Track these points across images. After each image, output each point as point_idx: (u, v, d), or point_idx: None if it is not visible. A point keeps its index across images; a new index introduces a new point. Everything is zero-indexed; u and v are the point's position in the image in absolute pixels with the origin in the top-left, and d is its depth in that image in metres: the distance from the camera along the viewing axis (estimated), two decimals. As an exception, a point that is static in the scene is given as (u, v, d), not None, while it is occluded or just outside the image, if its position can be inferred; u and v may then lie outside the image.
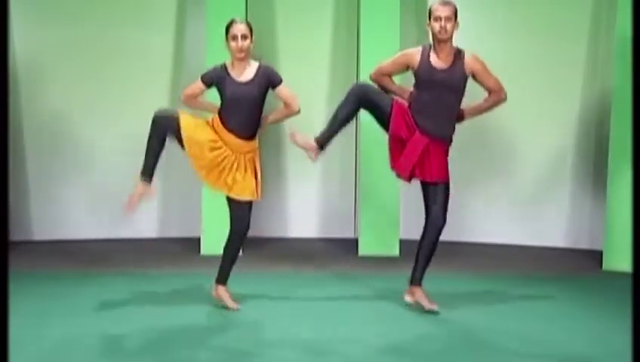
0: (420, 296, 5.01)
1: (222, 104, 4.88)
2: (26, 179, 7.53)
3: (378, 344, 4.37)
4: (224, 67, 4.89)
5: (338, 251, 7.27)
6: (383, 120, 4.91)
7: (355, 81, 7.45)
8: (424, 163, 4.86)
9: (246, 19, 4.91)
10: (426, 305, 4.97)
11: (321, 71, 7.83)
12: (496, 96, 4.99)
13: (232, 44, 4.81)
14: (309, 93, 7.78)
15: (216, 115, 4.89)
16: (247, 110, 4.82)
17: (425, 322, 4.83)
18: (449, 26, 4.83)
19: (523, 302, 5.37)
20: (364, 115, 6.88)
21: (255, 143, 4.94)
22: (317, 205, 7.96)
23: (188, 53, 7.69)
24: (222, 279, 5.09)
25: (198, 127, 4.83)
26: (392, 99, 4.95)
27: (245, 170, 4.88)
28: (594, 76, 7.31)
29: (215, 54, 6.35)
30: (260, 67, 4.90)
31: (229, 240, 5.01)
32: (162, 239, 7.75)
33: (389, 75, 5.08)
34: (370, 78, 5.16)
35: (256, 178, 4.93)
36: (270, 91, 4.98)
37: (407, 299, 5.05)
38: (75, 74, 7.53)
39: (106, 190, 7.64)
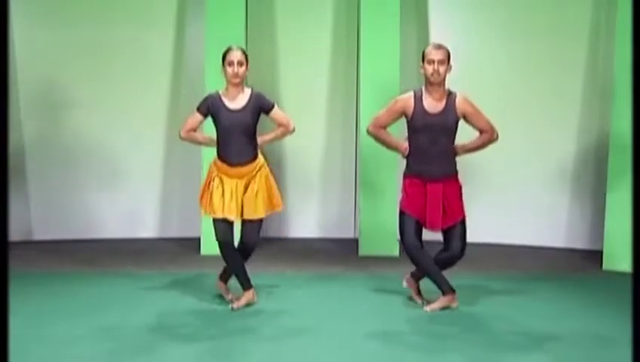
0: (413, 288, 5.30)
1: (218, 133, 5.04)
2: (25, 179, 7.53)
3: (378, 343, 4.37)
4: (218, 95, 5.04)
5: (338, 251, 7.27)
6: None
7: (356, 82, 7.48)
8: (444, 209, 5.02)
9: (242, 48, 5.06)
10: (417, 299, 5.26)
11: (321, 71, 7.82)
12: (488, 135, 5.14)
13: (229, 69, 4.97)
14: (309, 93, 7.80)
15: (216, 157, 5.03)
16: (242, 137, 4.98)
17: (425, 322, 4.83)
18: (442, 69, 4.92)
19: (523, 301, 5.37)
20: (364, 115, 6.90)
21: (259, 160, 5.08)
22: (317, 205, 7.96)
23: (188, 53, 7.69)
24: (225, 278, 5.30)
25: (215, 196, 4.99)
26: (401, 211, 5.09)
27: (261, 189, 5.04)
28: (594, 76, 7.31)
29: (215, 55, 6.32)
30: (252, 94, 5.05)
31: (238, 249, 5.17)
32: (162, 239, 7.75)
33: (386, 127, 5.17)
34: (368, 131, 5.27)
35: (271, 190, 5.11)
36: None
37: (404, 283, 5.33)
38: (75, 74, 7.53)
39: (107, 189, 7.65)
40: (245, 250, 5.16)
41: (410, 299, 5.31)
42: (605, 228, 6.61)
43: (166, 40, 7.68)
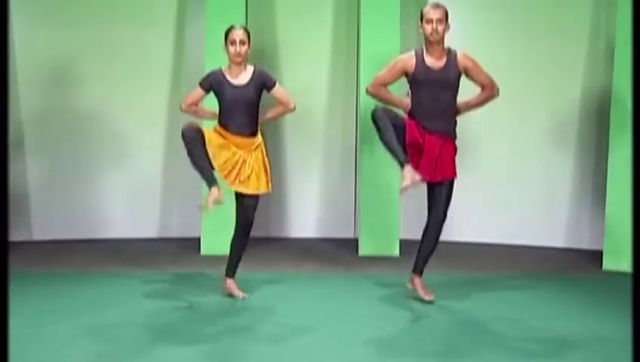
0: (417, 283, 5.26)
1: (220, 108, 5.12)
2: (26, 179, 7.53)
3: (378, 343, 4.37)
4: (221, 71, 5.11)
5: (338, 251, 7.27)
6: (399, 137, 5.01)
7: (356, 82, 7.48)
8: (436, 163, 5.06)
9: (245, 26, 5.07)
10: (423, 294, 5.21)
11: (321, 71, 7.82)
12: (489, 91, 5.23)
13: (231, 48, 5.04)
14: (309, 93, 7.79)
15: (217, 124, 5.11)
16: (245, 112, 5.06)
17: (424, 322, 4.84)
18: (440, 27, 5.02)
19: (523, 301, 5.37)
20: (364, 115, 6.90)
21: (259, 138, 5.16)
22: (317, 205, 7.96)
23: (188, 53, 7.68)
24: (230, 272, 5.33)
25: (212, 136, 5.05)
26: (403, 117, 5.11)
27: (256, 166, 5.11)
28: (594, 76, 7.31)
29: (215, 54, 6.34)
30: (255, 70, 5.13)
31: (236, 234, 5.24)
32: (162, 239, 7.75)
33: (386, 85, 5.24)
34: (367, 91, 5.35)
35: (265, 171, 5.18)
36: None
37: (408, 285, 5.31)
38: (75, 74, 7.52)
39: (107, 189, 7.65)
40: (241, 227, 5.18)
41: (415, 298, 5.26)
42: (605, 228, 6.61)
43: (166, 40, 7.68)
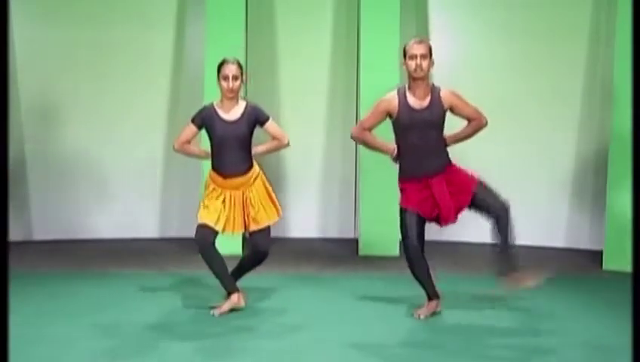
0: (519, 278, 4.89)
1: (212, 145, 5.00)
2: (25, 179, 7.53)
3: (378, 343, 4.38)
4: (212, 106, 5.01)
5: (338, 251, 7.27)
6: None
7: (356, 82, 7.47)
8: (454, 192, 4.87)
9: (238, 61, 4.98)
10: (528, 283, 4.88)
11: (321, 71, 7.82)
12: (478, 122, 4.96)
13: (223, 83, 4.93)
14: (309, 93, 7.80)
15: (211, 169, 5.01)
16: (237, 148, 4.94)
17: (424, 322, 4.83)
18: (425, 63, 4.80)
19: (523, 301, 5.36)
20: (364, 113, 6.89)
21: (255, 170, 5.04)
22: (317, 205, 7.96)
23: (188, 53, 7.69)
24: (235, 287, 5.07)
25: (206, 202, 4.97)
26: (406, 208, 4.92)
27: (262, 198, 5.01)
28: (594, 76, 7.31)
29: (214, 55, 6.33)
30: (247, 106, 5.02)
31: (249, 262, 5.16)
32: (162, 239, 7.75)
33: (371, 129, 5.04)
34: (352, 136, 5.18)
35: (271, 198, 5.08)
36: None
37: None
38: (75, 74, 7.54)
39: (107, 189, 7.65)
40: (258, 258, 5.11)
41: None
42: (605, 228, 6.61)
43: (166, 40, 7.68)
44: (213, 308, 4.98)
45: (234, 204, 4.94)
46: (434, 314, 4.95)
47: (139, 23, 7.59)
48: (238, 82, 4.93)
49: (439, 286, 5.13)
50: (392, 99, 4.90)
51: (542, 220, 7.57)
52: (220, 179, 4.94)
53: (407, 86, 4.90)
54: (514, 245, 4.88)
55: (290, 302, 5.30)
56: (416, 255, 4.89)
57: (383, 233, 7.03)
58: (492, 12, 7.53)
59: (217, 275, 4.97)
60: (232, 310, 4.94)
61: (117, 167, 7.66)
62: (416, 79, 4.83)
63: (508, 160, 7.55)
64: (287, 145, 5.23)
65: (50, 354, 4.11)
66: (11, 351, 3.72)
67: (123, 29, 7.56)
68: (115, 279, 5.92)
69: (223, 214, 4.91)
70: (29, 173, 7.55)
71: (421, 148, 4.84)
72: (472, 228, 7.68)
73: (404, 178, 4.93)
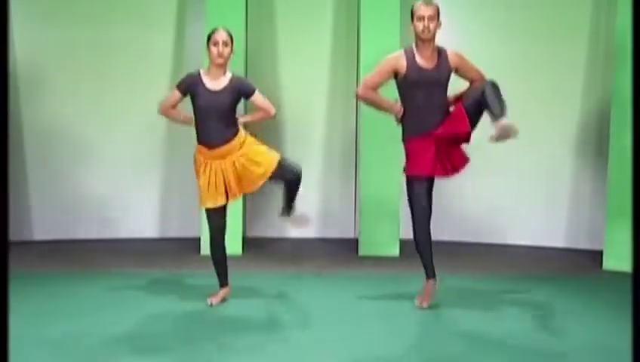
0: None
1: (195, 114, 5.01)
2: (25, 179, 7.54)
3: (378, 343, 4.38)
4: (198, 74, 5.01)
5: (338, 251, 7.28)
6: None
7: (356, 82, 7.48)
8: (453, 128, 4.87)
9: (228, 30, 4.99)
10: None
11: (321, 71, 7.82)
12: (480, 83, 4.96)
13: (213, 49, 4.94)
14: (309, 93, 7.80)
15: (197, 143, 5.03)
16: (219, 118, 4.95)
17: (424, 322, 4.83)
18: (432, 25, 4.87)
19: (523, 301, 5.37)
20: (364, 115, 6.89)
21: (240, 137, 5.03)
22: (317, 205, 7.96)
23: (188, 53, 7.69)
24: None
25: (202, 185, 5.04)
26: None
27: (254, 155, 5.02)
28: (594, 76, 7.31)
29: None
30: (232, 78, 5.03)
31: (286, 186, 5.27)
32: (162, 239, 7.75)
33: (376, 88, 5.04)
34: (357, 95, 5.18)
35: (262, 151, 5.07)
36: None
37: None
38: (75, 74, 7.54)
39: (107, 190, 7.66)
40: (295, 183, 5.21)
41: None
42: (605, 228, 6.61)
43: (166, 40, 7.69)
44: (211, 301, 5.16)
45: (226, 173, 4.97)
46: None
47: (139, 23, 7.59)
48: (228, 49, 4.94)
49: (439, 287, 5.14)
50: (399, 56, 4.96)
51: (542, 220, 7.57)
52: (205, 150, 4.97)
53: (414, 46, 4.96)
54: (501, 103, 4.79)
55: (289, 302, 5.30)
56: (425, 217, 4.99)
57: (383, 233, 7.03)
58: (492, 12, 7.53)
59: (218, 266, 5.20)
60: (223, 300, 5.18)
61: (117, 167, 7.66)
62: (424, 40, 4.89)
63: (508, 159, 7.55)
64: (273, 116, 5.25)
65: (50, 354, 4.11)
66: (11, 351, 3.72)
67: (123, 29, 7.56)
68: (115, 279, 5.92)
69: (221, 186, 4.98)
70: (29, 173, 7.55)
71: (427, 106, 4.92)
72: (472, 228, 7.72)
73: (409, 136, 4.98)
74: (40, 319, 4.74)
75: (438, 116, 4.93)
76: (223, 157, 4.97)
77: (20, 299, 4.97)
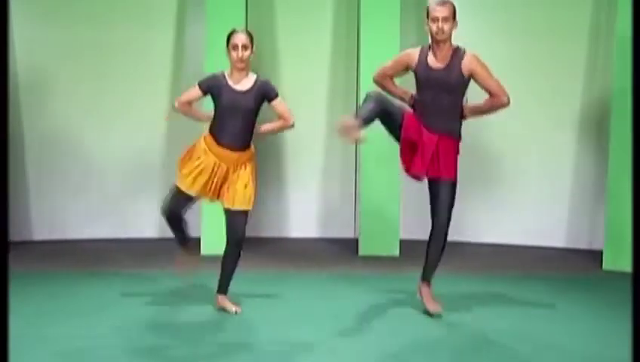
0: (424, 293, 5.02)
1: (216, 112, 4.90)
2: (25, 179, 7.53)
3: (378, 344, 4.38)
4: (222, 75, 4.92)
5: (338, 251, 7.27)
6: (395, 128, 4.88)
7: (356, 82, 7.48)
8: (433, 160, 4.83)
9: (246, 29, 4.89)
10: (429, 306, 4.97)
11: (321, 71, 7.82)
12: (497, 99, 4.86)
13: (233, 53, 4.84)
14: (309, 93, 7.80)
15: (208, 132, 4.91)
16: (241, 119, 4.84)
17: (424, 322, 4.84)
18: (446, 26, 4.79)
19: (523, 302, 5.37)
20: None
21: (251, 152, 4.95)
22: (317, 205, 7.96)
23: (188, 53, 7.69)
24: (223, 289, 5.07)
25: (186, 168, 4.93)
26: (403, 109, 4.94)
27: (247, 180, 4.89)
28: (594, 76, 7.31)
29: (215, 55, 6.36)
30: (257, 80, 4.93)
31: (227, 251, 5.00)
32: (162, 239, 7.73)
33: (392, 77, 5.09)
34: (374, 79, 5.18)
35: (253, 187, 4.95)
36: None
37: (418, 295, 5.08)
38: (75, 75, 7.53)
39: (107, 190, 7.66)
40: (232, 245, 4.94)
41: (426, 312, 5.00)
42: (605, 228, 6.61)
43: (166, 40, 7.69)
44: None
45: (212, 173, 4.84)
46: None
47: (139, 22, 7.59)
48: (247, 52, 4.84)
49: (438, 287, 5.13)
50: (414, 53, 4.97)
51: (542, 220, 7.56)
52: (214, 145, 4.84)
53: (429, 46, 4.93)
54: (438, 259, 4.97)
55: (289, 302, 5.30)
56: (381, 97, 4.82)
57: (383, 233, 7.02)
58: (492, 12, 7.53)
59: (176, 232, 5.22)
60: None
61: (117, 166, 7.66)
62: (439, 41, 4.84)
63: (507, 159, 7.55)
64: (292, 126, 5.12)
65: (50, 354, 4.11)
66: (11, 351, 3.72)
67: (123, 29, 7.56)
68: (115, 279, 5.92)
69: (201, 180, 4.86)
70: (29, 173, 7.54)
71: (432, 108, 4.85)
72: (472, 228, 7.72)
73: (414, 115, 4.90)
74: (40, 319, 4.74)
75: (441, 119, 4.84)
76: (225, 161, 4.84)
77: (20, 299, 4.96)
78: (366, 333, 4.57)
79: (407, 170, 4.93)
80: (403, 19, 7.09)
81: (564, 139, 7.47)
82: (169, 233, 7.76)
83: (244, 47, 4.84)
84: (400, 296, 5.42)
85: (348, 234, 7.88)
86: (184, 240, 5.24)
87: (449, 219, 4.91)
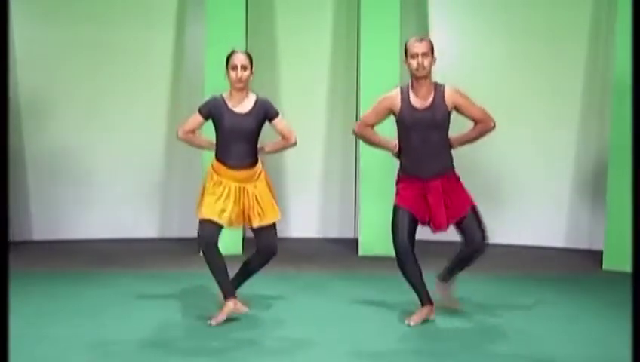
0: (443, 291, 5.08)
1: (217, 137, 4.86)
2: (26, 179, 7.54)
3: (378, 344, 4.38)
4: (221, 97, 4.87)
5: (338, 251, 7.28)
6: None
7: (356, 82, 7.48)
8: (447, 206, 4.79)
9: (246, 50, 4.84)
10: (448, 303, 5.06)
11: (321, 71, 7.83)
12: (485, 125, 4.84)
13: (232, 74, 4.81)
14: (309, 93, 7.80)
15: (215, 160, 4.86)
16: (244, 141, 4.81)
17: (424, 322, 4.83)
18: (426, 61, 4.70)
19: (523, 302, 5.37)
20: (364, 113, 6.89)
21: (259, 166, 4.92)
22: (317, 205, 7.96)
23: (188, 53, 7.69)
24: (233, 292, 4.87)
25: (210, 197, 4.79)
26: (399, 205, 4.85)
27: (265, 196, 4.87)
28: (594, 76, 7.31)
29: (215, 55, 6.36)
30: (257, 100, 4.89)
31: (257, 260, 4.97)
32: (162, 239, 7.75)
33: (373, 126, 4.97)
34: (353, 132, 5.11)
35: (274, 197, 4.94)
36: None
37: (442, 293, 5.09)
38: (75, 74, 7.54)
39: (107, 190, 7.66)
40: (266, 258, 4.93)
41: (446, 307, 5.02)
42: (605, 228, 6.61)
43: (166, 40, 7.69)
44: (210, 318, 4.78)
45: (236, 198, 4.78)
46: (426, 321, 4.82)
47: (139, 23, 7.59)
48: (247, 72, 4.80)
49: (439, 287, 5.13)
50: (394, 97, 4.82)
51: (542, 220, 7.57)
52: (223, 169, 4.80)
53: (409, 84, 4.82)
54: (461, 270, 5.02)
55: (289, 302, 5.30)
56: (406, 254, 4.78)
57: (383, 233, 6.98)
58: (492, 12, 7.53)
59: (216, 277, 4.79)
60: (230, 319, 4.77)
61: (117, 166, 7.66)
62: (419, 78, 4.74)
63: (507, 159, 7.55)
64: (294, 144, 5.08)
65: (50, 354, 4.11)
66: (11, 351, 3.71)
67: (123, 29, 7.56)
68: (115, 279, 5.92)
69: (228, 207, 4.76)
70: (29, 173, 7.55)
71: (423, 149, 4.76)
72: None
73: (403, 176, 4.87)
74: (40, 319, 4.74)
75: (434, 159, 4.77)
76: (238, 181, 4.80)
77: (19, 299, 4.96)
78: (366, 333, 4.57)
79: (436, 230, 4.89)
80: (403, 20, 7.09)
81: (563, 139, 7.47)
82: (169, 233, 7.85)
83: (244, 67, 4.80)
84: (400, 297, 5.42)
85: (348, 234, 7.89)
86: (229, 293, 4.79)
87: (485, 239, 4.84)
